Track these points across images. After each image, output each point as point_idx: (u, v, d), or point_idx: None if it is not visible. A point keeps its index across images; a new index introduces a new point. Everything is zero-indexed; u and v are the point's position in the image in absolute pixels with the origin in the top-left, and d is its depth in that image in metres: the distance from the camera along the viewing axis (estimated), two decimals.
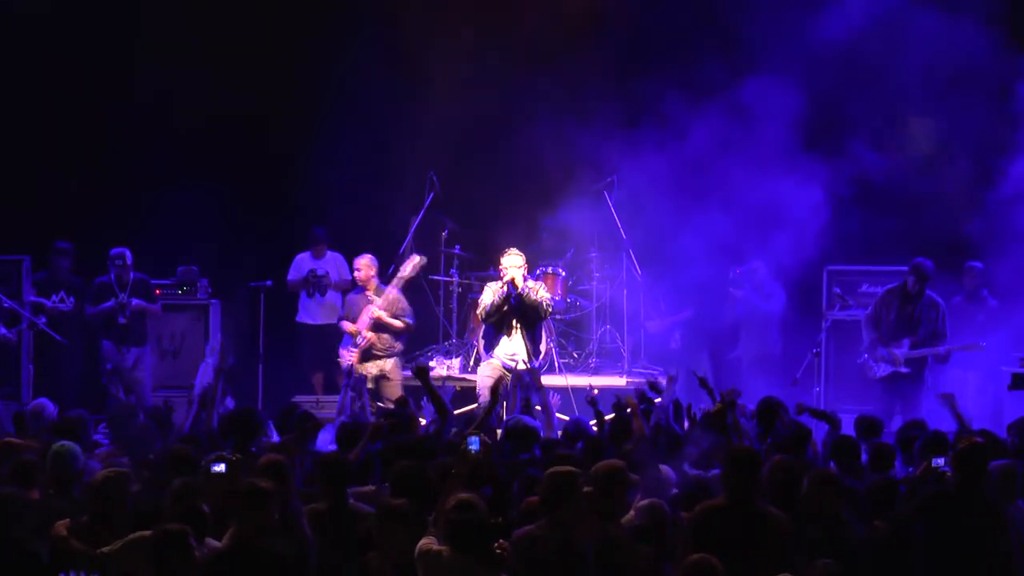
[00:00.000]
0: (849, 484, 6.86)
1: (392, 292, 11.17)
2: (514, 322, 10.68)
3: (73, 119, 13.16)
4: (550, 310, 10.93)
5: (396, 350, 11.28)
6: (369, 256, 11.37)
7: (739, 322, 12.59)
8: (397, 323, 11.17)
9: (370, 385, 11.07)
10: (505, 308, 10.70)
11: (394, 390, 11.05)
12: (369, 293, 11.24)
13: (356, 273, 11.38)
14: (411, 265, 11.23)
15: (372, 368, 11.13)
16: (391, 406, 9.80)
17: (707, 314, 12.57)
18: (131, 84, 13.15)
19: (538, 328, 10.87)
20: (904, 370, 10.99)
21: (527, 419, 8.24)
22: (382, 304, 11.12)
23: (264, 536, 5.89)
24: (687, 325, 12.64)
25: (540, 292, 10.77)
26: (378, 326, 11.12)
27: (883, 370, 11.07)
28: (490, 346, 10.82)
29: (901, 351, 10.99)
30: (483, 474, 6.69)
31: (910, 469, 7.68)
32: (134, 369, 11.76)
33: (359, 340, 11.14)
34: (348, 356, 11.19)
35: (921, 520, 6.44)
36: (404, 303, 11.29)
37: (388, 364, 11.19)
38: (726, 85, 12.14)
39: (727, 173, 12.38)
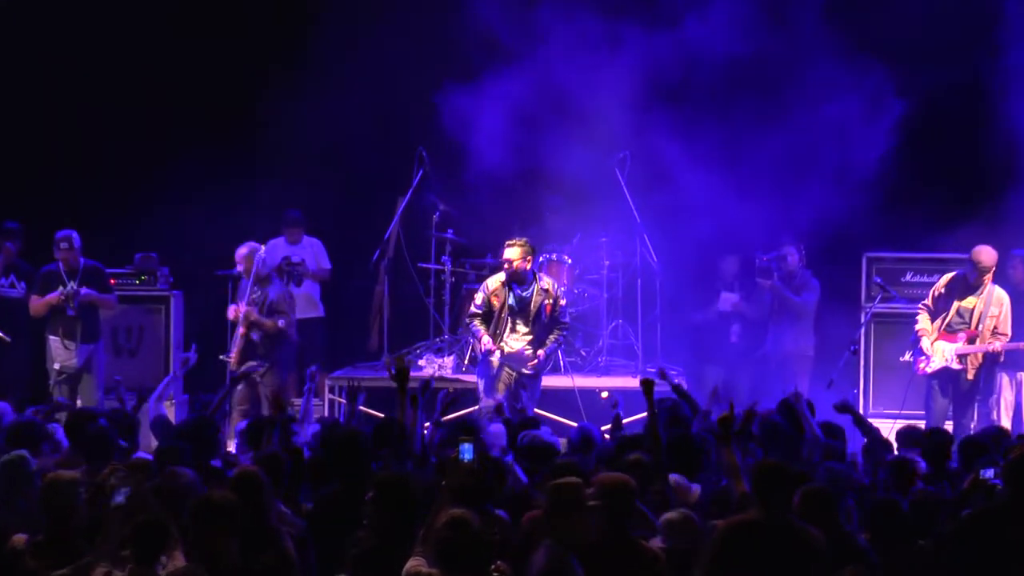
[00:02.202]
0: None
1: (276, 288, 11.29)
2: (516, 322, 10.81)
3: (19, 93, 13.25)
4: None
5: (277, 353, 11.31)
6: (248, 246, 11.37)
7: (767, 316, 12.59)
8: (267, 322, 11.21)
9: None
10: (502, 311, 10.78)
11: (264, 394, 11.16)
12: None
13: (238, 267, 11.40)
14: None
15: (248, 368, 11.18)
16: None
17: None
18: (87, 57, 13.24)
19: (545, 327, 10.91)
20: (957, 367, 11.04)
21: (543, 434, 8.22)
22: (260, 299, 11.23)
23: (229, 554, 5.93)
24: (750, 323, 12.64)
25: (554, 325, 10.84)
26: (251, 323, 11.21)
27: (932, 365, 11.11)
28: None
29: (955, 346, 11.03)
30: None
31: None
32: (84, 369, 11.67)
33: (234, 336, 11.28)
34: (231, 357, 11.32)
35: (968, 539, 6.48)
36: (283, 302, 11.33)
37: (263, 366, 11.24)
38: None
39: (745, 139, 12.40)
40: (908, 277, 12.25)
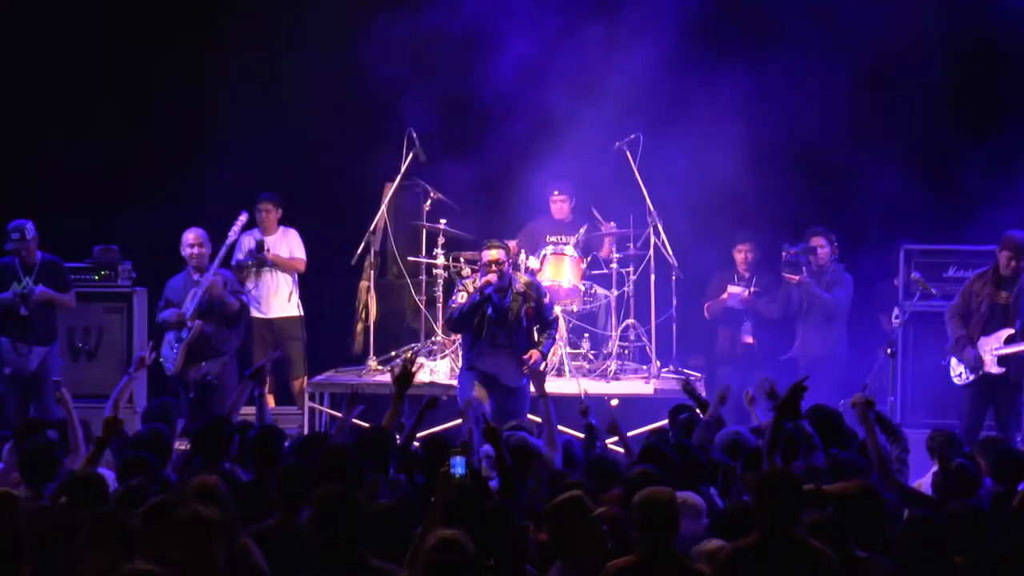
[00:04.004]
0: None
1: (224, 271, 11.35)
2: (496, 335, 10.64)
3: None
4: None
5: (232, 346, 11.30)
6: (195, 231, 11.38)
7: (795, 315, 12.44)
8: (231, 301, 11.20)
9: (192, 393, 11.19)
10: (479, 320, 10.60)
11: (223, 399, 11.04)
12: (197, 275, 11.30)
13: (189, 250, 11.42)
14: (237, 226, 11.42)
15: (193, 371, 11.17)
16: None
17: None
18: (41, 34, 13.41)
19: (528, 333, 10.76)
20: (996, 371, 10.88)
21: (530, 437, 8.14)
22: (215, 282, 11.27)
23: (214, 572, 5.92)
24: (764, 322, 12.58)
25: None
26: (204, 312, 11.11)
27: (970, 374, 11.00)
28: (467, 357, 10.79)
29: (992, 348, 10.88)
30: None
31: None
32: (38, 374, 11.56)
33: (182, 332, 11.15)
34: (173, 357, 11.24)
35: (1015, 564, 6.32)
36: (237, 282, 11.49)
37: (218, 365, 11.16)
38: None
39: (766, 119, 12.35)
40: (951, 272, 12.00)
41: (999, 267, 10.94)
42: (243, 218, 11.58)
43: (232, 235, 11.48)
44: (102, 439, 7.63)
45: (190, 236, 11.41)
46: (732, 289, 12.57)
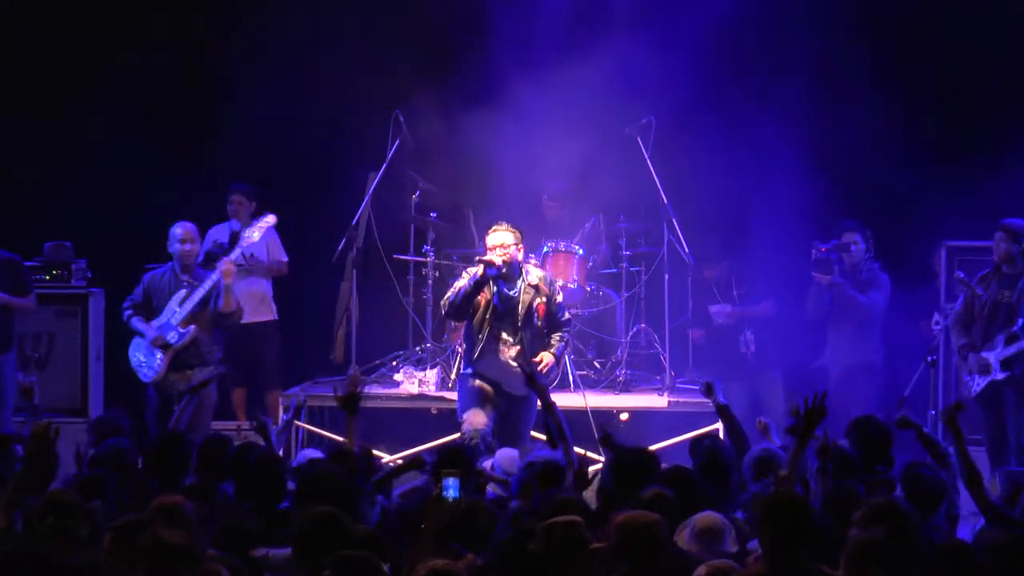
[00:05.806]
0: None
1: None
2: (500, 329, 10.29)
3: None
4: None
5: (218, 355, 11.12)
6: (183, 225, 11.08)
7: (826, 319, 12.28)
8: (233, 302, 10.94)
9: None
10: (486, 312, 10.27)
11: (205, 415, 10.74)
12: (186, 276, 11.05)
13: (179, 246, 11.05)
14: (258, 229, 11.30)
15: (178, 381, 10.88)
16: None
17: (785, 309, 12.43)
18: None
19: (538, 333, 10.40)
20: (1000, 375, 10.83)
21: (546, 452, 8.01)
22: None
23: None
24: (763, 325, 12.41)
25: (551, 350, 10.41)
26: (196, 315, 10.90)
27: (978, 384, 10.97)
28: (469, 358, 10.47)
29: (994, 353, 10.84)
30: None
31: None
32: None
33: (172, 338, 10.88)
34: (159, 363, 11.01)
35: None
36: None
37: (201, 374, 10.88)
38: None
39: (794, 106, 12.29)
40: None
41: (999, 265, 10.99)
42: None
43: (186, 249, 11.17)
44: (33, 452, 7.13)
45: (179, 231, 11.04)
46: (712, 308, 12.48)
